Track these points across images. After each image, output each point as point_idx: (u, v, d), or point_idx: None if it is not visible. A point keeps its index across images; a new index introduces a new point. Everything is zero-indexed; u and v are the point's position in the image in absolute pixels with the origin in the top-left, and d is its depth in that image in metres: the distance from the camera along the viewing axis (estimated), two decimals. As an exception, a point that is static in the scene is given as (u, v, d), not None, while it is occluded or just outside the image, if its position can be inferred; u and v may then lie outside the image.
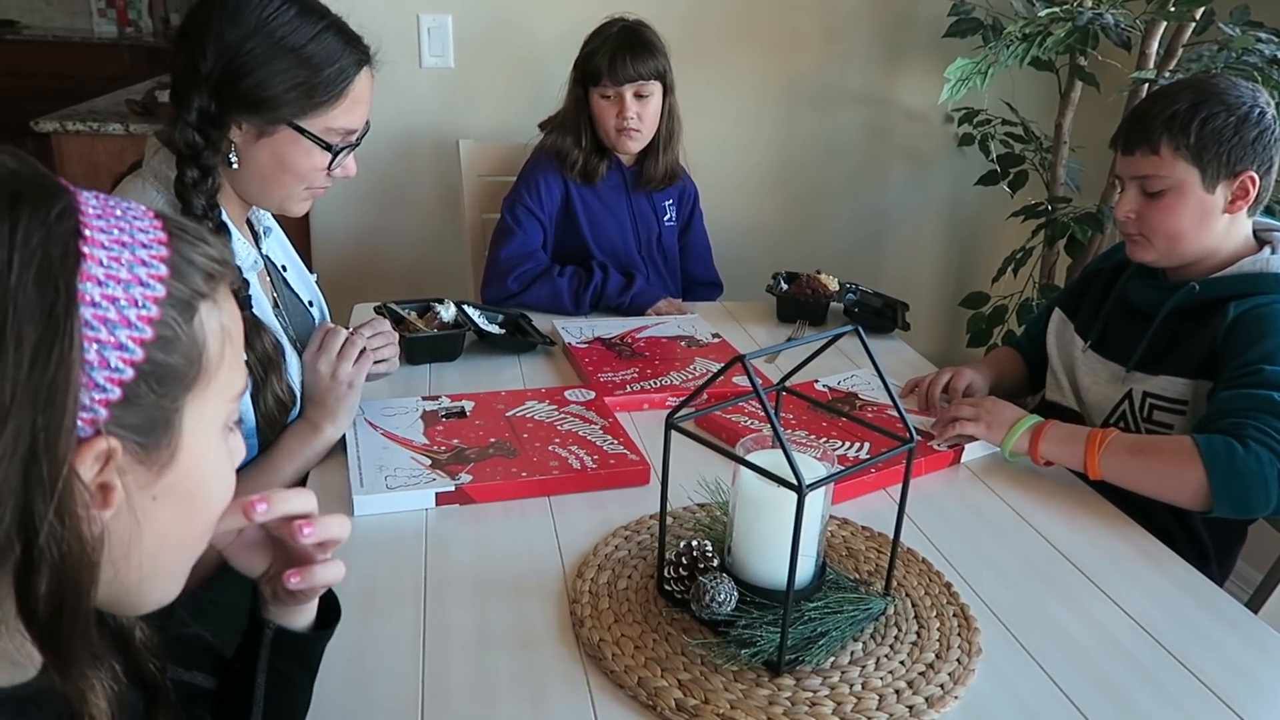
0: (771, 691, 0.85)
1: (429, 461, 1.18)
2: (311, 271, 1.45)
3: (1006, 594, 1.03)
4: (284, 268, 1.36)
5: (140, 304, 0.50)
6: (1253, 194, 1.26)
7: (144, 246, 0.52)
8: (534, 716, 0.83)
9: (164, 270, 0.52)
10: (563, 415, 1.33)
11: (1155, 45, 2.14)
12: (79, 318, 0.48)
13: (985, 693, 0.88)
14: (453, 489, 1.12)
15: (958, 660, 0.91)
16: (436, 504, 1.12)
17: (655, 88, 1.87)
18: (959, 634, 0.94)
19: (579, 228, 1.95)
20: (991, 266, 2.56)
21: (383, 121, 2.41)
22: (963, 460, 1.32)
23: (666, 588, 0.96)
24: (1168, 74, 2.10)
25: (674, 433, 0.91)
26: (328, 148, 1.16)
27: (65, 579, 0.48)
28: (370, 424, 1.26)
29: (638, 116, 1.86)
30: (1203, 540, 1.34)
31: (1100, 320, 1.44)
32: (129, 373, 0.50)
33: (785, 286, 1.88)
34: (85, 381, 0.48)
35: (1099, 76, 2.33)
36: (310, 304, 1.39)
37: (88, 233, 0.50)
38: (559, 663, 0.89)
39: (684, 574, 0.94)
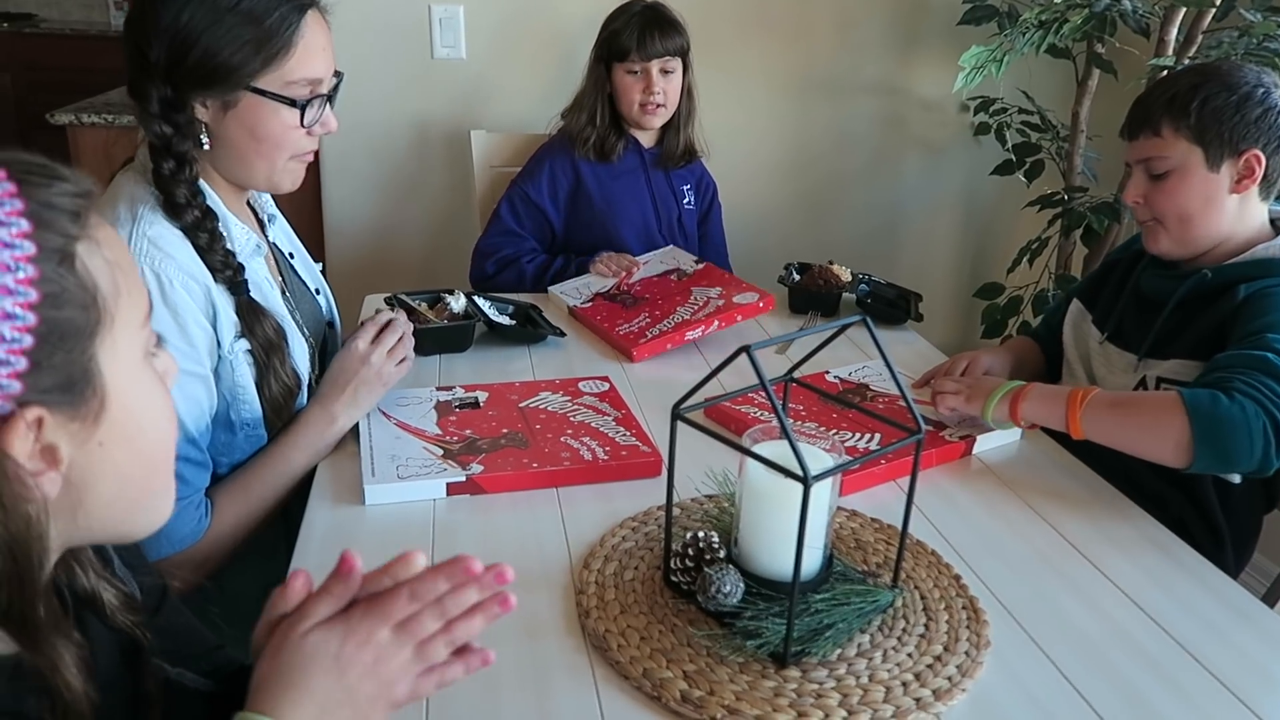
0: (777, 683, 0.84)
1: (441, 452, 1.18)
2: (317, 261, 1.45)
3: (1016, 586, 1.02)
4: (291, 255, 1.37)
5: (14, 267, 0.48)
6: (1259, 172, 1.26)
7: None
8: (538, 706, 0.83)
9: (26, 225, 0.49)
10: (576, 406, 1.33)
11: (1174, 32, 2.12)
12: None
13: (993, 685, 0.88)
14: (464, 479, 1.13)
15: (966, 653, 0.90)
16: (447, 494, 1.12)
17: (678, 64, 1.93)
18: (967, 626, 0.94)
19: (595, 208, 1.98)
20: (1007, 257, 2.54)
21: (395, 112, 2.43)
22: (974, 452, 1.31)
23: (673, 579, 0.96)
24: (1187, 60, 2.07)
25: (685, 425, 0.91)
26: (292, 103, 1.13)
27: (18, 559, 0.49)
28: (384, 414, 1.27)
29: (663, 92, 1.91)
30: (1220, 529, 1.32)
31: (1117, 312, 1.43)
32: (28, 340, 0.49)
33: (797, 277, 1.87)
34: None
35: (1117, 64, 2.31)
36: (317, 291, 1.40)
37: None
38: (564, 653, 0.89)
39: (690, 565, 0.94)
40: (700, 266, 1.79)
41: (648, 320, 1.60)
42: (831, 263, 1.88)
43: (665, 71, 1.92)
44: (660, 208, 2.04)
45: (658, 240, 2.04)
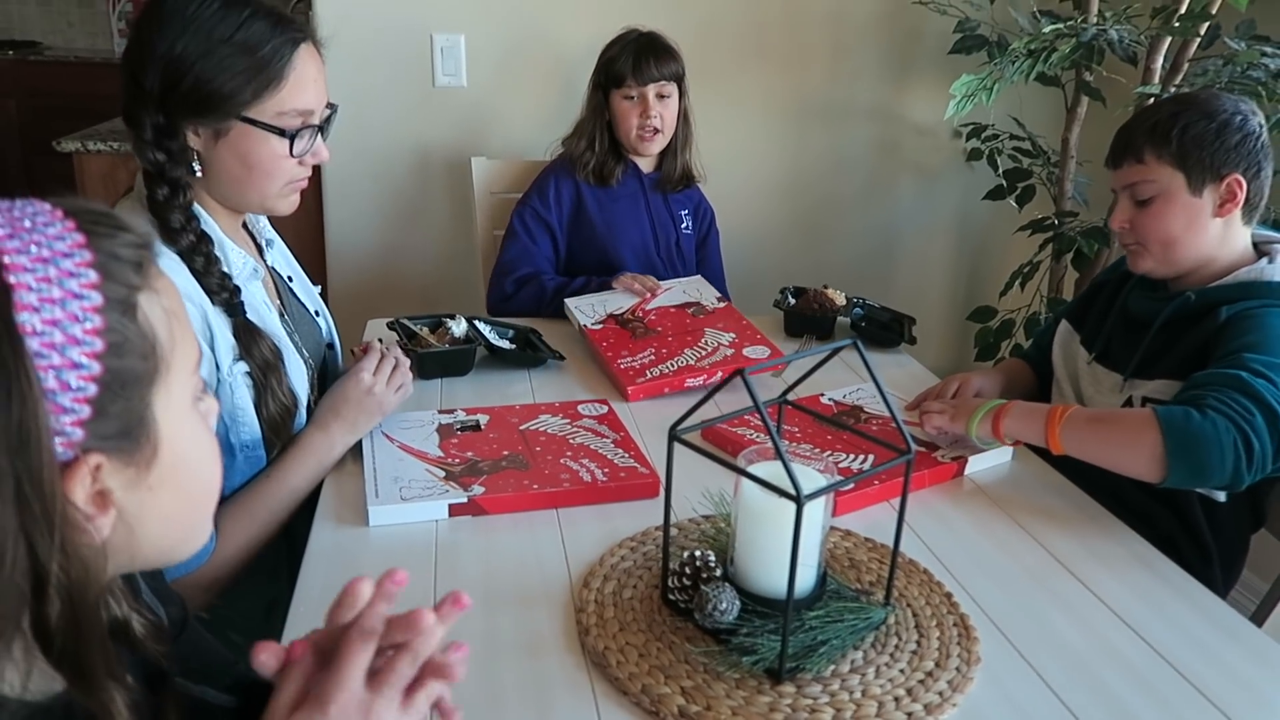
0: (773, 698, 0.86)
1: (443, 474, 1.21)
2: (315, 284, 1.47)
3: (1007, 604, 1.05)
4: (290, 278, 1.39)
5: (81, 318, 0.50)
6: (1240, 196, 1.30)
7: (66, 256, 0.50)
8: (541, 722, 0.85)
9: (94, 276, 0.51)
10: (575, 429, 1.36)
11: (1160, 60, 2.16)
12: (27, 352, 0.47)
13: (984, 700, 0.90)
14: (465, 500, 1.15)
15: (956, 669, 0.92)
16: (449, 515, 1.15)
17: (674, 89, 1.98)
18: (959, 643, 0.96)
19: (594, 230, 2.02)
20: (999, 280, 2.58)
21: (397, 139, 2.47)
22: (966, 473, 1.34)
23: (670, 597, 0.98)
24: (1173, 88, 2.12)
25: (682, 447, 0.93)
26: (282, 133, 1.15)
27: (76, 602, 0.50)
28: (387, 436, 1.29)
29: (660, 117, 1.96)
30: (1208, 547, 1.35)
31: (1104, 332, 1.46)
32: (92, 389, 0.50)
33: (793, 301, 1.90)
34: (52, 409, 0.48)
35: (1105, 91, 2.35)
36: (317, 314, 1.42)
37: (6, 259, 0.49)
38: (564, 670, 0.91)
39: (687, 584, 0.96)
40: (721, 305, 1.78)
41: (652, 357, 1.59)
42: (826, 287, 1.91)
43: (661, 96, 1.96)
44: (659, 231, 2.08)
45: (656, 263, 2.07)
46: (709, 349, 1.63)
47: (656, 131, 1.98)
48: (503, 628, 0.97)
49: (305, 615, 0.96)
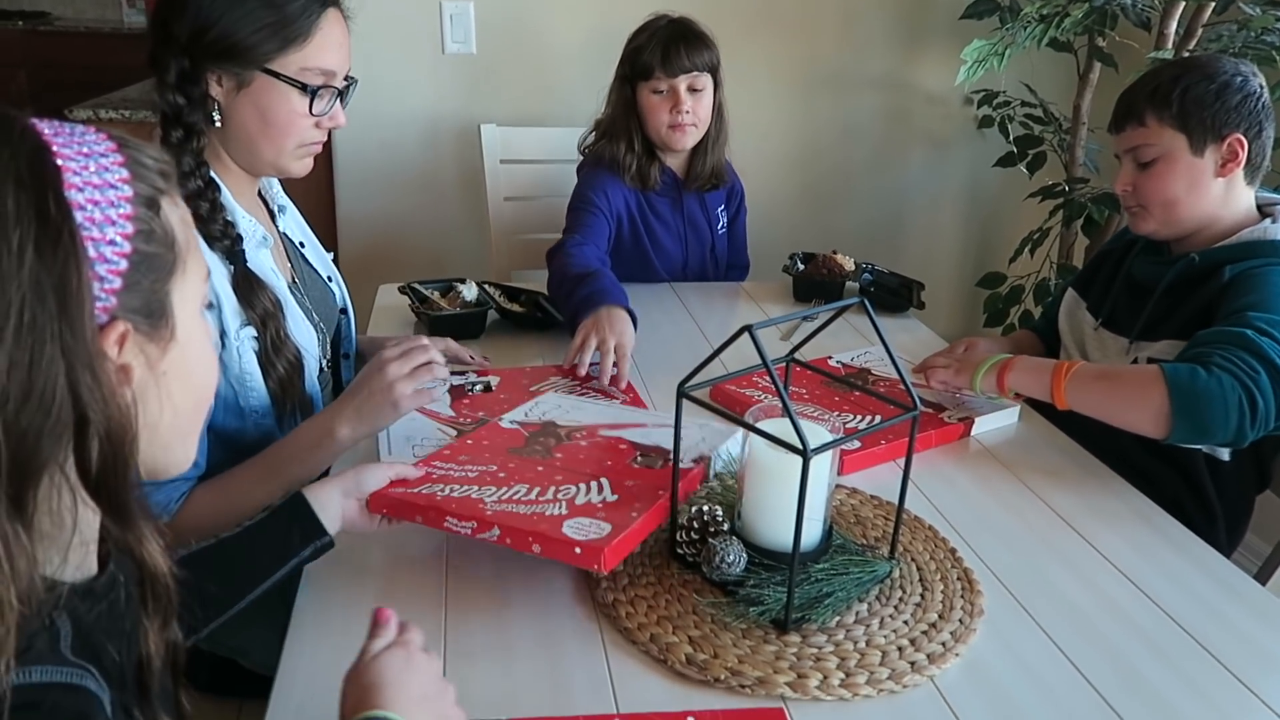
0: (778, 648, 0.88)
1: (455, 433, 1.22)
2: (328, 250, 1.48)
3: (1011, 560, 1.06)
4: (301, 244, 1.40)
5: (117, 204, 0.58)
6: (1242, 156, 1.30)
7: (103, 155, 0.59)
8: (551, 669, 0.87)
9: (126, 173, 0.59)
10: (584, 390, 1.37)
11: (1174, 25, 2.15)
12: (74, 218, 0.55)
13: (986, 651, 0.92)
14: (475, 458, 1.17)
15: (960, 621, 0.94)
16: (460, 473, 1.17)
17: (708, 80, 1.82)
18: (962, 596, 0.98)
19: (635, 238, 1.89)
20: (1009, 247, 2.57)
21: (406, 107, 2.47)
22: (973, 433, 1.35)
23: (679, 551, 1.00)
24: (1187, 53, 2.10)
25: (689, 404, 0.95)
26: (304, 88, 1.16)
27: (114, 442, 0.56)
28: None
29: (691, 111, 1.80)
30: (1213, 507, 1.36)
31: (1110, 299, 1.47)
32: (123, 264, 0.58)
33: (802, 267, 1.91)
34: (91, 275, 0.55)
35: (1118, 57, 2.33)
36: (329, 279, 1.43)
37: (55, 147, 0.56)
38: (574, 621, 0.93)
39: (695, 538, 0.98)
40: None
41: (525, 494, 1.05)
42: (835, 252, 1.92)
43: (693, 89, 1.80)
44: (690, 240, 1.97)
45: (688, 273, 1.97)
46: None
47: (691, 125, 1.81)
48: (513, 581, 0.99)
49: (321, 572, 0.98)
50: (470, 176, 2.51)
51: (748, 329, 0.86)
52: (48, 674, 0.54)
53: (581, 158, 1.96)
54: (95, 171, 0.57)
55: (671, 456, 0.96)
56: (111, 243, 0.57)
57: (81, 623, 0.58)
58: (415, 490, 0.99)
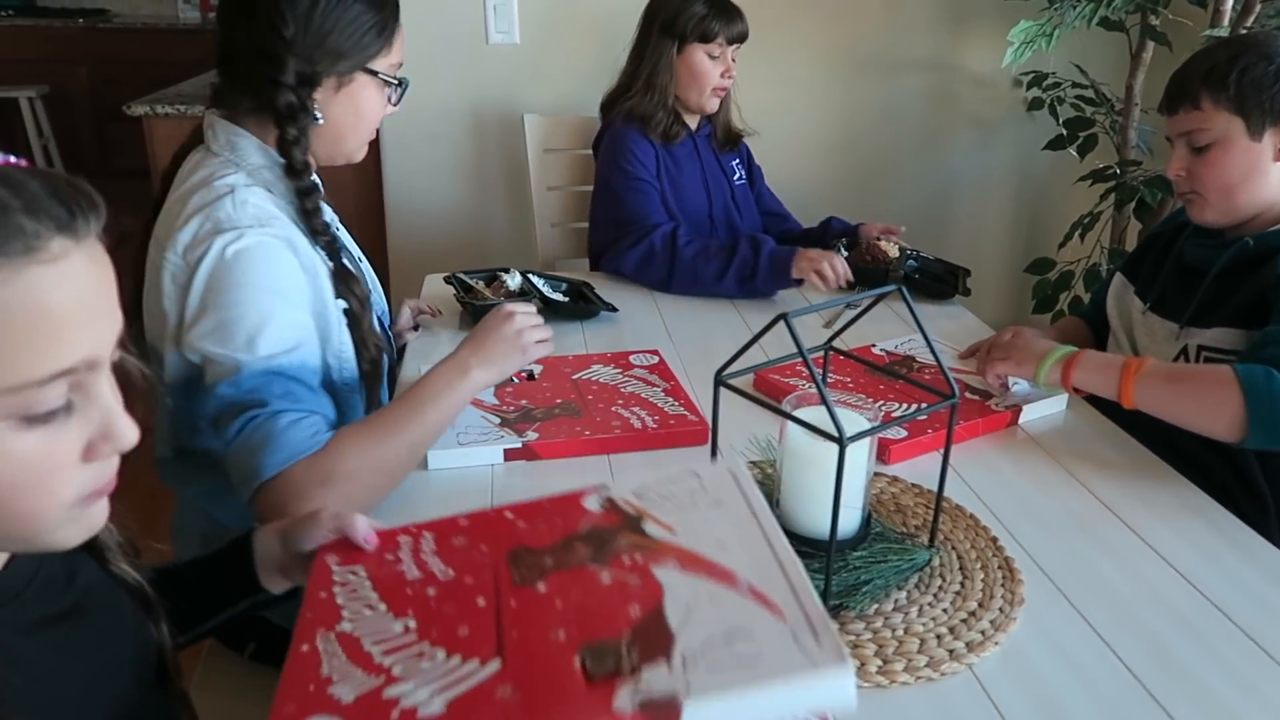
0: (816, 634, 0.89)
1: (498, 420, 1.25)
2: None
3: (1053, 549, 1.05)
4: (336, 226, 1.44)
5: None
6: None
7: None
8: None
9: None
10: (626, 378, 1.38)
11: (1230, 1, 2.09)
12: None
13: (1026, 640, 0.91)
14: (520, 445, 1.19)
15: (1000, 609, 0.94)
16: (504, 459, 1.19)
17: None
18: (1003, 585, 0.97)
19: (664, 194, 1.96)
20: (1058, 232, 2.53)
21: (450, 98, 2.50)
22: (1020, 422, 1.34)
23: (718, 538, 1.00)
24: (1243, 31, 2.05)
25: (728, 393, 0.96)
26: (398, 84, 1.24)
27: None
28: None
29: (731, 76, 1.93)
30: (1264, 496, 1.33)
31: (1159, 282, 1.44)
32: None
33: (845, 253, 1.90)
34: None
35: (1171, 36, 2.28)
36: (361, 260, 1.46)
37: None
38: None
39: (735, 525, 0.99)
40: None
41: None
42: (879, 239, 1.91)
43: (734, 57, 1.93)
44: (713, 189, 2.05)
45: (704, 225, 2.01)
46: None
47: (726, 89, 1.94)
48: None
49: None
50: (513, 166, 2.53)
51: (783, 317, 0.87)
52: None
53: (603, 114, 2.03)
54: None
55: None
56: None
57: None
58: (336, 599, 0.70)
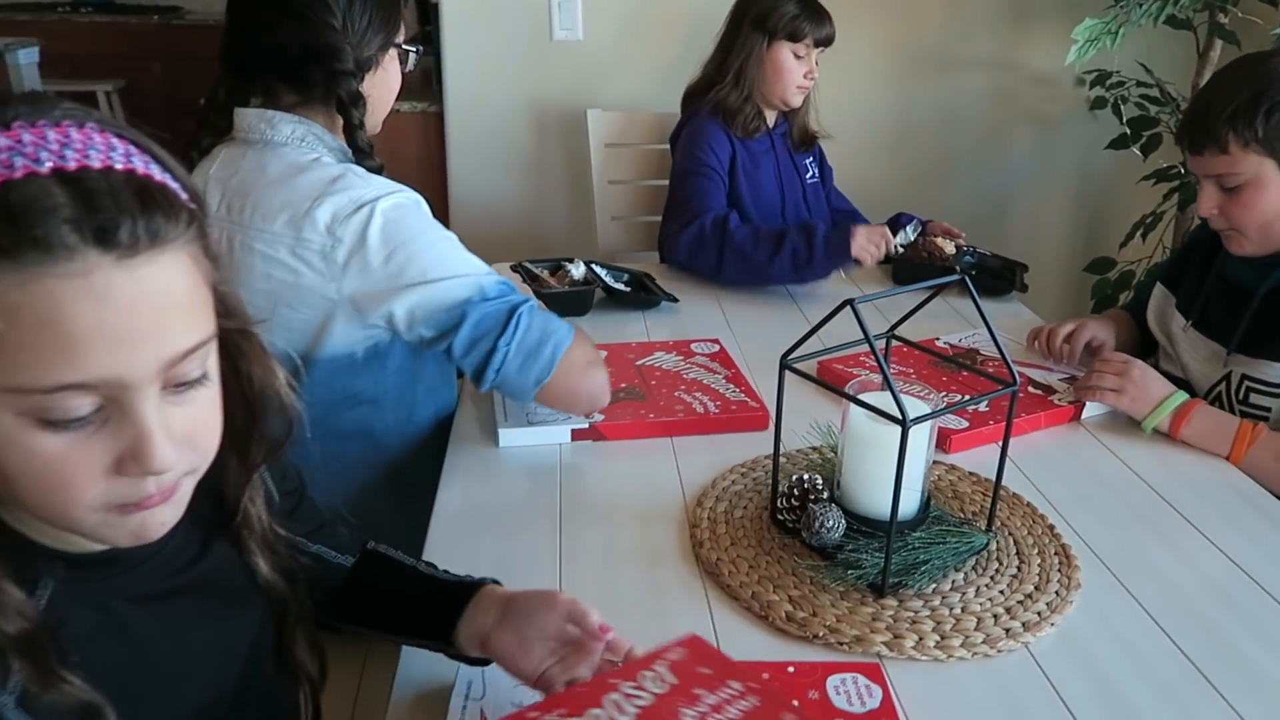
0: (875, 609, 0.92)
1: (564, 403, 1.29)
2: None
3: (1111, 538, 1.07)
4: None
5: None
6: None
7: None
8: (659, 621, 0.93)
9: None
10: (688, 365, 1.42)
11: (1303, 0, 2.06)
12: None
13: (1082, 623, 0.93)
14: (587, 426, 1.23)
15: (1056, 592, 0.96)
16: (571, 439, 1.23)
17: None
18: (1059, 570, 1.00)
19: (737, 186, 1.98)
20: (1119, 232, 2.51)
21: (515, 93, 2.56)
22: (1083, 417, 1.34)
23: (779, 517, 1.04)
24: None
25: (790, 381, 0.99)
26: (419, 50, 1.30)
27: None
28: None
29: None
30: None
31: (1201, 299, 1.41)
32: None
33: (902, 250, 1.91)
34: None
35: (1240, 34, 2.25)
36: None
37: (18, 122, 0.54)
38: (680, 578, 0.99)
39: (796, 504, 1.02)
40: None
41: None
42: (935, 235, 1.92)
43: (816, 59, 1.95)
44: (786, 187, 2.05)
45: (783, 219, 2.02)
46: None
47: (808, 88, 1.97)
48: (622, 540, 1.05)
49: (444, 527, 1.07)
50: (574, 160, 2.58)
51: (849, 303, 0.90)
52: None
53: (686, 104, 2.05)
54: None
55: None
56: None
57: None
58: None
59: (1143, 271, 2.46)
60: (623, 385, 1.35)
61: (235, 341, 0.65)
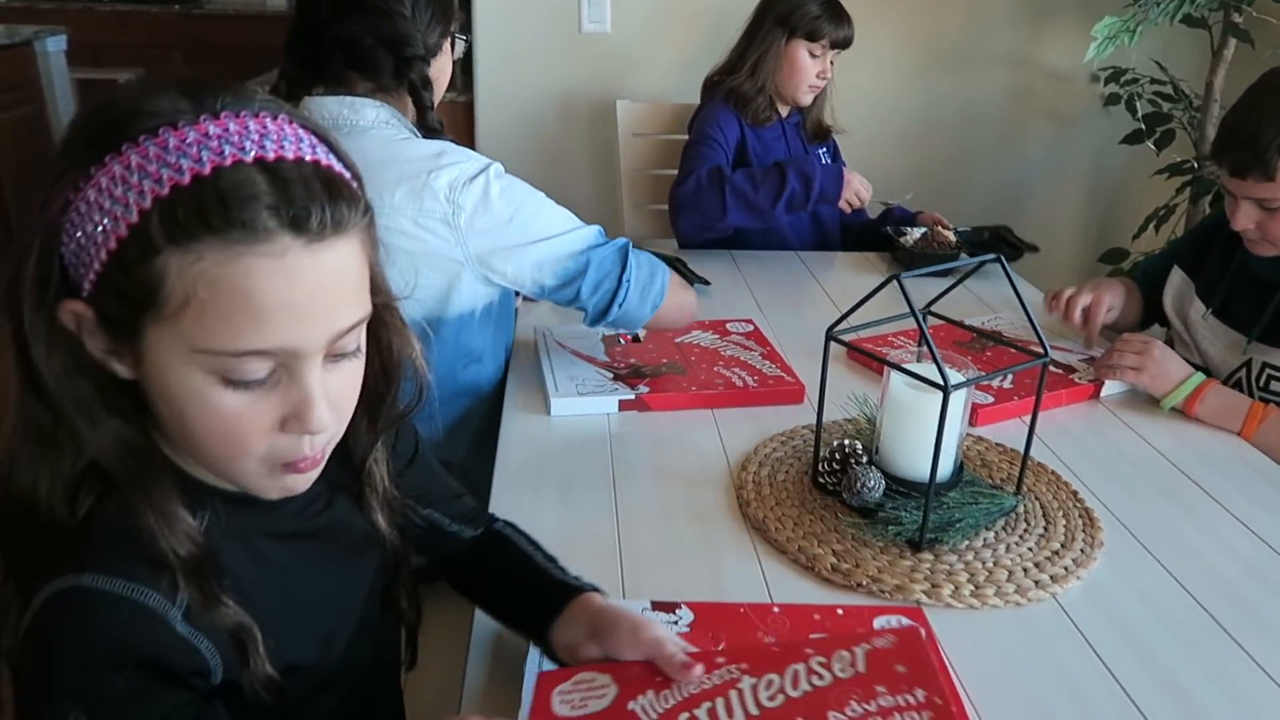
0: (914, 563, 0.99)
1: (611, 374, 1.36)
2: None
3: (1131, 505, 1.14)
4: None
5: (109, 221, 0.57)
6: None
7: (157, 181, 0.56)
8: (712, 573, 1.00)
9: (142, 209, 0.57)
10: (725, 343, 1.49)
11: (1316, 0, 2.12)
12: (88, 197, 0.58)
13: (1105, 578, 1.00)
14: (633, 397, 1.30)
15: (1081, 550, 1.03)
16: (619, 409, 1.30)
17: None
18: (1083, 530, 1.06)
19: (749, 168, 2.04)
20: (1133, 224, 2.58)
21: (543, 84, 2.62)
22: (1102, 395, 1.41)
23: (820, 480, 1.11)
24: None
25: (830, 354, 1.06)
26: (464, 39, 1.39)
27: None
28: (559, 343, 1.45)
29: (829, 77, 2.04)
30: None
31: (1222, 288, 1.46)
32: (97, 267, 0.58)
33: (910, 243, 1.98)
34: (81, 246, 0.58)
35: (1254, 34, 2.31)
36: None
37: (161, 135, 0.58)
38: (730, 533, 1.06)
39: (836, 468, 1.09)
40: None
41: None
42: (938, 225, 2.00)
43: (832, 60, 2.02)
44: None
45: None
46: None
47: (820, 88, 2.04)
48: (673, 501, 1.12)
49: (507, 486, 1.14)
50: (601, 150, 2.65)
51: (895, 278, 0.97)
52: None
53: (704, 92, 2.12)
54: (121, 181, 0.57)
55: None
56: (96, 242, 0.58)
57: None
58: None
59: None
60: (664, 360, 1.42)
61: (379, 315, 0.71)
